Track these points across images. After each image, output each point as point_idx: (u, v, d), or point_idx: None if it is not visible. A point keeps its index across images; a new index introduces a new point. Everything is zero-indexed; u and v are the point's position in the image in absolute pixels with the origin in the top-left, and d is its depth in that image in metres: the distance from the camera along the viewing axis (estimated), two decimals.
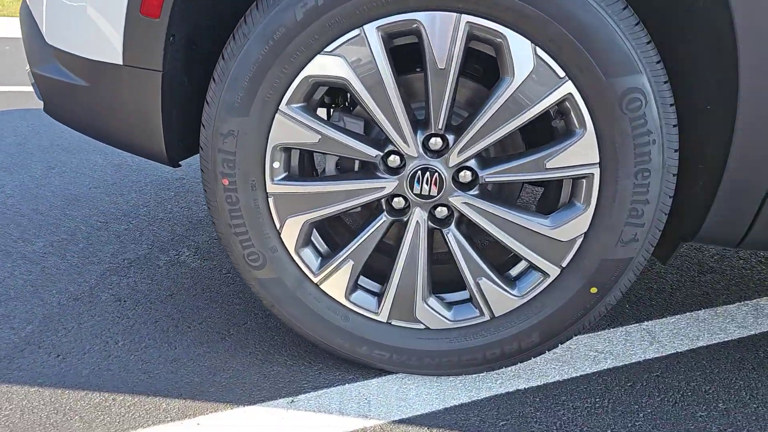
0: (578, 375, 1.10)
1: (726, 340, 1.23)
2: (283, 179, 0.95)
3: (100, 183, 1.91)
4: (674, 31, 0.88)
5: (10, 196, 1.81)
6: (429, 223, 0.96)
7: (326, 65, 0.87)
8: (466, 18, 0.82)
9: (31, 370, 1.06)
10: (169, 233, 1.59)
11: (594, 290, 0.93)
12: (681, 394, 1.06)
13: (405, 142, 0.91)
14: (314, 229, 1.01)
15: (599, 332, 1.23)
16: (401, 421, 0.96)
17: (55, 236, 1.56)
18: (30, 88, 2.95)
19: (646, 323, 1.28)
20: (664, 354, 1.17)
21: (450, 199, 0.93)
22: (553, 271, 0.94)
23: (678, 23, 0.87)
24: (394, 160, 0.93)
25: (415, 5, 0.82)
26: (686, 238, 0.96)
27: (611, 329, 1.25)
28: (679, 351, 1.18)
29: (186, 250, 1.50)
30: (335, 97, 1.15)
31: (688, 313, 1.32)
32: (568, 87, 0.83)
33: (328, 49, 0.86)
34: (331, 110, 1.23)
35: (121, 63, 0.94)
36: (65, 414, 0.96)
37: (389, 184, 0.94)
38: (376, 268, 1.06)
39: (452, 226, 0.96)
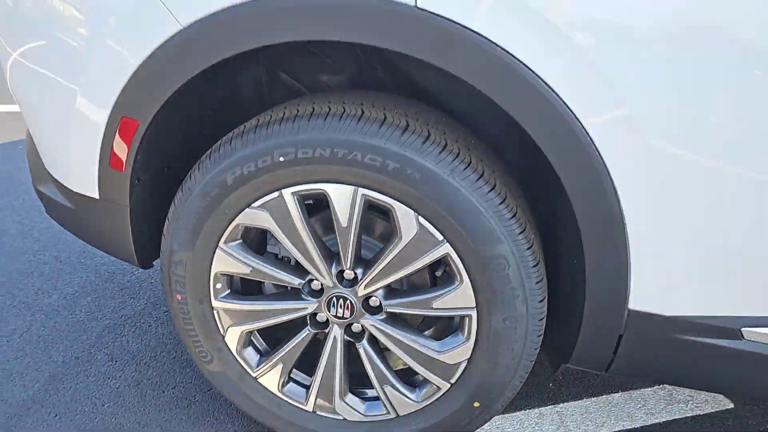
0: None
1: (629, 428, 1.38)
2: (225, 297, 1.15)
3: None
4: (548, 198, 1.03)
5: (38, 240, 2.09)
6: (345, 336, 1.15)
7: (253, 217, 1.06)
8: (362, 191, 0.99)
9: (34, 429, 1.32)
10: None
11: (476, 404, 1.11)
12: None
13: (321, 275, 1.09)
14: (255, 331, 1.22)
15: (515, 413, 1.40)
16: None
17: (69, 288, 1.82)
18: None
19: (561, 405, 1.43)
20: None
21: (361, 320, 1.12)
22: (444, 386, 1.11)
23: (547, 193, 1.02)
24: (316, 285, 1.12)
25: (320, 178, 1.00)
26: (563, 362, 1.12)
27: (527, 410, 1.41)
28: None
29: None
30: None
31: (604, 396, 1.47)
32: (446, 248, 1.00)
33: (255, 205, 1.05)
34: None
35: (97, 197, 1.16)
36: None
37: (311, 306, 1.13)
38: (312, 352, 1.26)
39: (364, 341, 1.15)
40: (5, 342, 1.58)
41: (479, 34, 0.84)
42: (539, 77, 0.84)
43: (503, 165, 1.08)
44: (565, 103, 0.85)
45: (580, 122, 0.85)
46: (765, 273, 0.93)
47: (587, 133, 0.86)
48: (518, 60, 0.84)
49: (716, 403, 1.45)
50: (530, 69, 0.84)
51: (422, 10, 0.84)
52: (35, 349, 1.56)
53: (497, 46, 0.84)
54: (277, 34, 0.91)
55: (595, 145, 0.87)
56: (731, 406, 1.44)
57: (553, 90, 0.84)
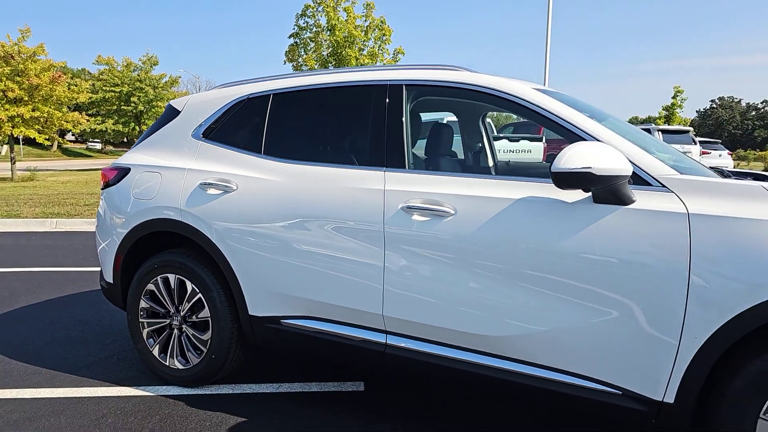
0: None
1: None
2: (143, 317, 3.23)
3: None
4: None
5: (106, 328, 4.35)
6: (177, 332, 3.14)
7: (151, 287, 3.17)
8: (177, 275, 3.07)
9: None
10: None
11: (213, 356, 3.01)
12: None
13: (171, 308, 3.14)
14: (153, 331, 3.26)
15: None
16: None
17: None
18: None
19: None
20: None
21: (183, 326, 3.12)
22: (204, 351, 3.04)
23: None
24: (171, 311, 3.17)
25: (167, 272, 3.11)
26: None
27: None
28: None
29: None
30: None
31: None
32: (200, 295, 3.00)
33: (150, 282, 3.17)
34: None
35: (112, 282, 3.37)
36: None
37: (168, 320, 3.16)
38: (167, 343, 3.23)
39: (183, 335, 3.13)
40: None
41: (203, 234, 2.97)
42: (213, 243, 2.92)
43: (215, 264, 3.06)
44: (218, 247, 2.91)
45: (221, 250, 2.90)
46: (285, 294, 2.80)
47: (223, 253, 2.90)
48: (211, 241, 2.93)
49: None
50: (213, 242, 2.92)
51: (186, 224, 3.00)
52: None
53: (212, 241, 2.94)
54: (145, 231, 3.13)
55: (224, 254, 2.90)
56: None
57: (215, 243, 2.92)
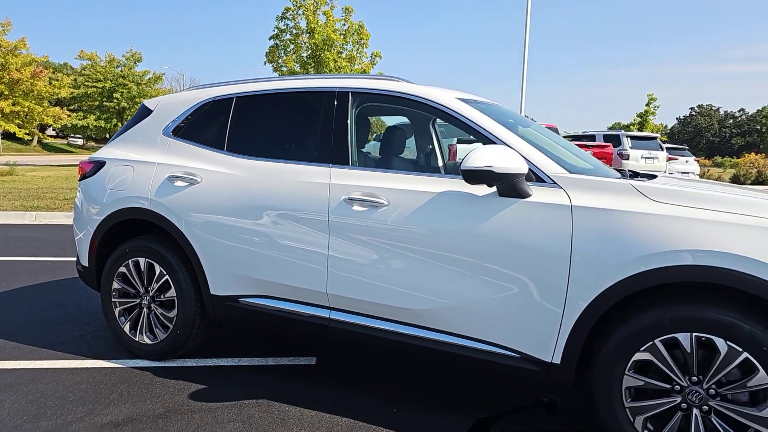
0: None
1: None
2: (115, 296, 3.55)
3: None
4: None
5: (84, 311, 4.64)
6: (146, 310, 3.47)
7: (122, 269, 3.50)
8: (147, 259, 3.40)
9: None
10: None
11: (179, 332, 3.34)
12: None
13: (141, 288, 3.47)
14: (124, 310, 3.58)
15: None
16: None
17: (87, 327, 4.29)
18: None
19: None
20: None
21: (151, 305, 3.45)
22: (169, 329, 3.37)
23: None
24: (140, 291, 3.49)
25: (137, 255, 3.44)
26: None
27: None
28: None
29: None
30: None
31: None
32: (167, 277, 3.34)
33: (122, 265, 3.49)
34: None
35: (87, 266, 3.68)
36: None
37: (138, 299, 3.49)
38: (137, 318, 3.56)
39: (151, 313, 3.46)
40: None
41: (170, 221, 3.30)
42: (180, 229, 3.26)
43: (181, 248, 3.39)
44: (184, 233, 3.25)
45: (186, 236, 3.24)
46: (244, 280, 3.15)
47: (188, 239, 3.24)
48: (177, 228, 3.27)
49: None
50: (179, 229, 3.26)
51: (156, 213, 3.33)
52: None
53: (178, 228, 3.28)
54: (117, 219, 3.46)
55: (189, 240, 3.24)
56: None
57: (181, 230, 3.26)
